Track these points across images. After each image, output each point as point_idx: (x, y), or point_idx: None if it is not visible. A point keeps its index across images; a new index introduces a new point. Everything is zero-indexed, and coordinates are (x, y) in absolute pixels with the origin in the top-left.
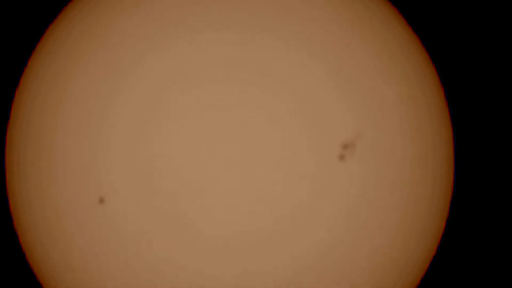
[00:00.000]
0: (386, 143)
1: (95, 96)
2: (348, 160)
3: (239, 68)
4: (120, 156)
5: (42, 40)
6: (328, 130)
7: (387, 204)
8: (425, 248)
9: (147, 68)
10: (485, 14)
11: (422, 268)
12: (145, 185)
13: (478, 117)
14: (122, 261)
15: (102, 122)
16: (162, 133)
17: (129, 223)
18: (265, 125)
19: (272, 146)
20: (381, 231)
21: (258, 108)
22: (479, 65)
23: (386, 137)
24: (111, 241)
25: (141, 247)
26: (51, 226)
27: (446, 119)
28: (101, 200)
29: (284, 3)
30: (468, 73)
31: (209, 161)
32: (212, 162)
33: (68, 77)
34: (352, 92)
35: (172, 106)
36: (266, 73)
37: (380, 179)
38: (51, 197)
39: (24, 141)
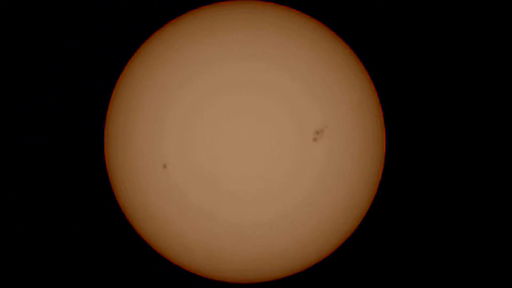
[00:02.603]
0: (342, 130)
1: (163, 101)
2: (319, 141)
3: (248, 86)
4: (177, 140)
5: (134, 58)
6: (306, 123)
7: (344, 167)
8: (368, 194)
9: (193, 85)
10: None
11: (367, 205)
12: (191, 158)
13: (403, 115)
14: (177, 206)
15: (166, 117)
16: (202, 128)
17: (182, 180)
18: (267, 122)
19: (270, 134)
20: (340, 185)
21: (264, 112)
22: (408, 77)
23: (342, 126)
24: (171, 192)
25: (188, 196)
26: (133, 181)
27: (380, 116)
28: (164, 166)
29: (276, 41)
30: (398, 84)
31: (232, 144)
32: (234, 144)
33: (143, 90)
34: (321, 99)
35: (209, 109)
36: (267, 90)
37: (339, 153)
38: (135, 163)
39: (119, 131)
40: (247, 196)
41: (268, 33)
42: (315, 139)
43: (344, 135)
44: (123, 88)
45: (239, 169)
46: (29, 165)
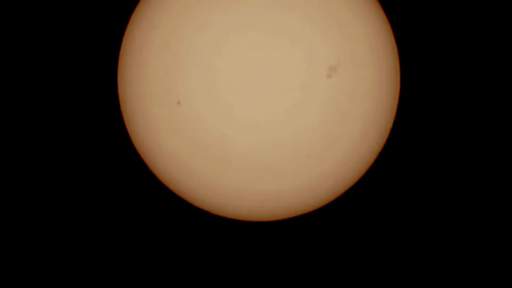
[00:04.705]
0: (355, 67)
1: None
2: (333, 77)
3: (261, 24)
4: (190, 76)
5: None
6: (322, 61)
7: (354, 99)
8: (382, 130)
9: (214, 20)
10: None
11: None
12: (204, 94)
13: (417, 47)
14: (190, 137)
15: (180, 54)
16: (217, 61)
17: (194, 115)
18: (281, 58)
19: (292, 69)
20: (350, 114)
21: (277, 49)
22: (422, 10)
23: (355, 63)
24: (184, 125)
25: (199, 128)
26: (148, 116)
27: (394, 52)
28: (179, 103)
29: None
30: (412, 16)
31: (249, 75)
32: (251, 76)
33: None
34: (336, 37)
35: (227, 44)
36: (279, 27)
37: (350, 87)
38: (150, 100)
39: (134, 67)
40: (264, 122)
41: None
42: (329, 75)
43: (355, 71)
44: (135, 28)
45: (258, 99)
46: (29, 165)
